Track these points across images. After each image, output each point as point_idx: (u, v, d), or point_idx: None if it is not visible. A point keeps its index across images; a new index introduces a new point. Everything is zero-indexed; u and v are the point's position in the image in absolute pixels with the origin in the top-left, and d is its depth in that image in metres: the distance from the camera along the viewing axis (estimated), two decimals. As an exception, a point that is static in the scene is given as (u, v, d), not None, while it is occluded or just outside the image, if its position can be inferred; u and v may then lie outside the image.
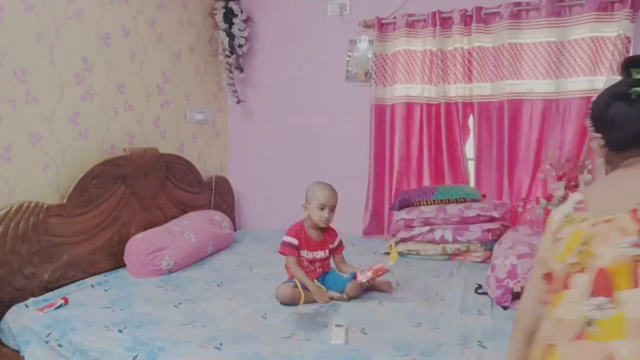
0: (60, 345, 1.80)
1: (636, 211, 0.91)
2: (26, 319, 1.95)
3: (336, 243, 2.28)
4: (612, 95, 1.08)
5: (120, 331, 1.81)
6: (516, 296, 1.96)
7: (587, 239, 0.95)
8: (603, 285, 0.90)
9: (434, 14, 3.01)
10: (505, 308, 1.98)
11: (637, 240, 0.88)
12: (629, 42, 2.59)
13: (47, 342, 1.83)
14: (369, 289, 2.19)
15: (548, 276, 1.03)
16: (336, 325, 1.78)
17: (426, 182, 3.18)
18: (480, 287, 2.20)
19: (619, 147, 1.07)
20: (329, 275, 2.23)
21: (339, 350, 1.63)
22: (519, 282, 1.96)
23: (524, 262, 2.01)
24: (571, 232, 1.00)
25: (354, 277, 2.13)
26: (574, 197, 1.07)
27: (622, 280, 0.88)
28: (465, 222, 2.72)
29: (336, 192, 2.21)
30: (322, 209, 2.16)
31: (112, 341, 1.74)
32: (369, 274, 2.08)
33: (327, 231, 2.26)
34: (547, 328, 0.99)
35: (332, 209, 2.19)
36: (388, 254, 2.60)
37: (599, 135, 1.10)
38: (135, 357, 1.65)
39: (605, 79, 2.64)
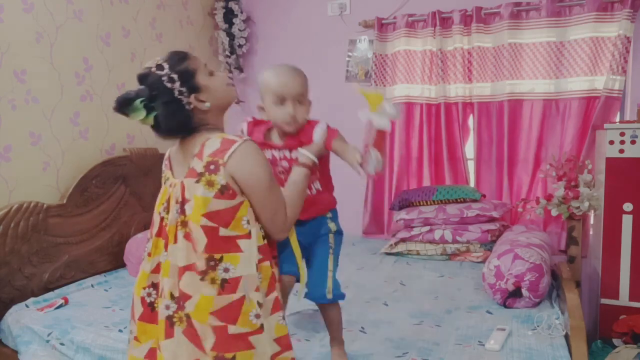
0: (62, 344, 1.80)
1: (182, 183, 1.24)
2: (26, 319, 1.95)
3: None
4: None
5: (120, 331, 1.81)
6: (514, 293, 1.97)
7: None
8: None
9: (433, 14, 3.01)
10: (506, 306, 1.99)
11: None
12: (629, 42, 2.59)
13: (48, 341, 1.83)
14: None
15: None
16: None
17: (426, 182, 3.17)
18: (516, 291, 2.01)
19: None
20: None
21: (339, 350, 1.62)
22: (508, 279, 1.98)
23: (504, 259, 2.03)
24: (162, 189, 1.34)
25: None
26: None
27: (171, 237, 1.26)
28: (465, 222, 2.71)
29: (302, 75, 1.48)
30: (281, 103, 1.45)
31: (112, 341, 1.75)
32: (375, 153, 1.31)
33: (303, 131, 1.50)
34: None
35: (300, 101, 1.46)
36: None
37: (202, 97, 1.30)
38: (136, 357, 1.64)
39: (605, 78, 2.64)
